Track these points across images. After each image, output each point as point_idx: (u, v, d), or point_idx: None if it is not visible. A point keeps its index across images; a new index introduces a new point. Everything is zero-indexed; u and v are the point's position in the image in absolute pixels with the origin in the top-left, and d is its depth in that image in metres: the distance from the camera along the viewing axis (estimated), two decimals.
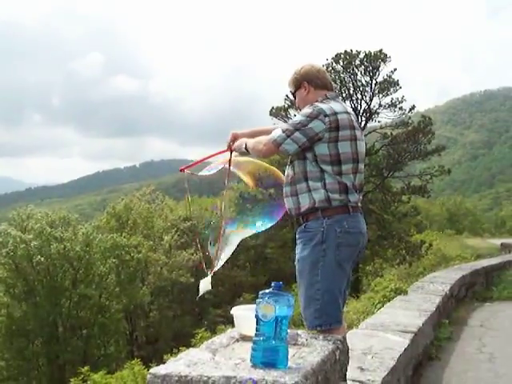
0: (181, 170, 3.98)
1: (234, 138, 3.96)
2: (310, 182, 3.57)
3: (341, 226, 3.54)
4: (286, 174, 3.78)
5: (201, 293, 3.62)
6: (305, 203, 3.59)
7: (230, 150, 3.95)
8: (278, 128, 3.65)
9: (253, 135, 3.95)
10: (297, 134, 3.51)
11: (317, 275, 3.48)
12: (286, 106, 28.37)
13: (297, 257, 3.62)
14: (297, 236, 3.69)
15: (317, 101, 3.69)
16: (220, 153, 4.04)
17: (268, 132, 3.89)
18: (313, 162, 3.57)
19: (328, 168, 3.54)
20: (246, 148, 3.78)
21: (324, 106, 3.60)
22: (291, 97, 4.20)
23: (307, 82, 3.79)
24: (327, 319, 3.50)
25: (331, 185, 3.56)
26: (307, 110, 3.59)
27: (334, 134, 3.51)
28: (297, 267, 3.62)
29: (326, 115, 3.52)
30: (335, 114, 3.55)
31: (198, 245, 3.83)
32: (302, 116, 3.55)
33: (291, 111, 27.51)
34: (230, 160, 3.95)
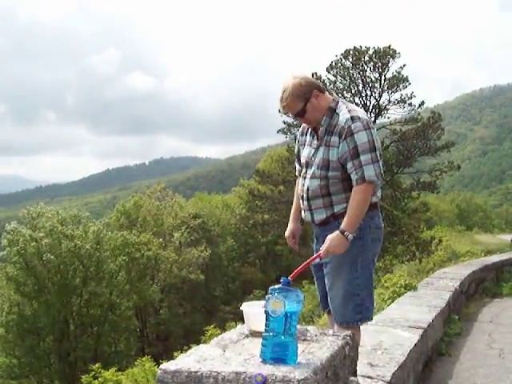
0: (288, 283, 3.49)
1: (293, 236, 3.98)
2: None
3: (373, 222, 3.67)
4: (313, 186, 3.69)
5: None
6: (340, 210, 3.63)
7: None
8: (362, 165, 3.48)
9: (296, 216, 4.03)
10: (378, 154, 3.57)
11: (356, 271, 3.57)
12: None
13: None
14: (324, 234, 3.67)
15: (330, 106, 3.68)
16: (314, 258, 3.59)
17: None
18: None
19: None
20: (352, 235, 3.45)
21: (360, 112, 3.66)
22: (289, 117, 4.03)
23: (317, 90, 3.66)
24: (366, 313, 3.63)
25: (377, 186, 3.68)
26: (358, 124, 3.51)
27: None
28: (331, 264, 3.64)
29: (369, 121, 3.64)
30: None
31: None
32: (368, 135, 3.51)
33: None
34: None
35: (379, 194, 3.73)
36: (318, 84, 3.74)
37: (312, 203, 3.69)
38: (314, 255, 3.58)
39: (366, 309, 3.60)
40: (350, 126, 3.49)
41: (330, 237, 3.46)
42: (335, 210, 3.61)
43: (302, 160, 3.83)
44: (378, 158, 3.53)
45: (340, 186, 3.58)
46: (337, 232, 3.44)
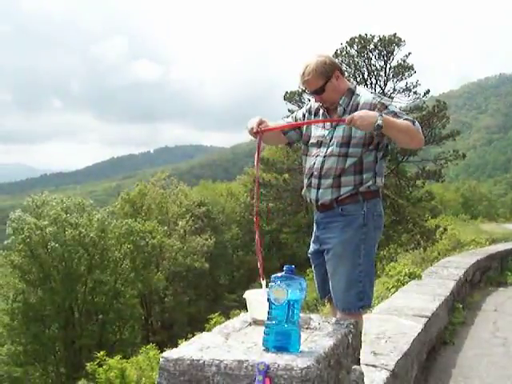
0: (256, 133, 3.60)
1: (260, 122, 3.63)
2: (365, 175, 3.63)
3: (376, 210, 3.69)
4: (328, 164, 3.66)
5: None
6: (346, 193, 3.63)
7: (258, 133, 3.60)
8: (404, 119, 3.49)
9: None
10: None
11: (359, 257, 3.57)
12: (300, 90, 28.26)
13: (334, 240, 3.63)
14: (326, 220, 3.71)
15: (350, 88, 3.73)
16: (298, 124, 3.88)
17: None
18: (373, 150, 3.63)
19: (380, 154, 3.69)
20: (381, 124, 3.31)
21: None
22: (308, 95, 4.02)
23: (338, 70, 3.70)
24: (367, 300, 3.64)
25: (380, 169, 3.71)
26: (386, 99, 3.69)
27: None
28: (333, 251, 3.63)
29: None
30: None
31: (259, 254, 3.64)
32: (396, 107, 3.62)
33: (305, 96, 27.40)
34: (258, 145, 3.66)
35: (382, 181, 3.73)
36: (339, 66, 3.76)
37: (322, 182, 3.67)
38: (337, 118, 3.64)
39: (366, 296, 3.61)
40: (380, 102, 3.57)
41: (365, 110, 3.47)
42: (341, 192, 3.60)
43: (313, 140, 3.81)
44: None
45: (353, 169, 3.60)
46: (375, 111, 3.44)
